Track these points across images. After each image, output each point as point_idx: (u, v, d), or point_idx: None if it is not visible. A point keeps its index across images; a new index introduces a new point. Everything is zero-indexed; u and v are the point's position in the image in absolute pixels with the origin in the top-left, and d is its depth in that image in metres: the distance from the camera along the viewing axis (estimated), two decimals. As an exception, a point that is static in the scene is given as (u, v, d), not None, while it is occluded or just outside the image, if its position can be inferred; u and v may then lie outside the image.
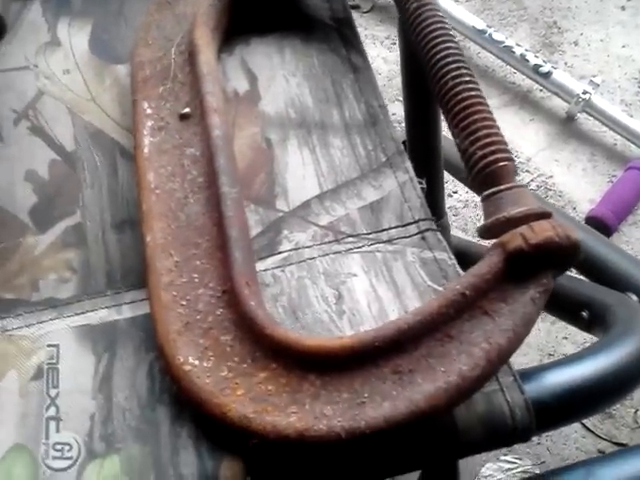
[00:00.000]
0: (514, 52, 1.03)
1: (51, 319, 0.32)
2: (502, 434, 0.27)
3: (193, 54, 0.38)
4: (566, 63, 1.03)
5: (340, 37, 0.43)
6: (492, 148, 0.30)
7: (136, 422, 0.29)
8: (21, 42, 0.38)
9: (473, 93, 0.32)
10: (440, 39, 0.34)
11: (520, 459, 0.77)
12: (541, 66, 0.97)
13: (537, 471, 0.77)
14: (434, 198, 0.38)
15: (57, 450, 0.28)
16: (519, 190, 0.29)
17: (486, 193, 0.30)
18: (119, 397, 0.29)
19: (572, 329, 0.85)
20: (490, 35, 1.04)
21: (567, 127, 1.00)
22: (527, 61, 1.01)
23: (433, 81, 0.33)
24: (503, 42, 1.04)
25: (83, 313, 0.33)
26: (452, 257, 0.33)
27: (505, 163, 0.30)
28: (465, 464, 0.73)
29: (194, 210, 0.33)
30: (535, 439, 0.79)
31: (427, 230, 0.34)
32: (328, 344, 0.27)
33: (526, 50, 1.02)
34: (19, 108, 0.39)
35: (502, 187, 0.29)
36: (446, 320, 0.26)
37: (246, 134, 0.38)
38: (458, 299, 0.26)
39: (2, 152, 0.37)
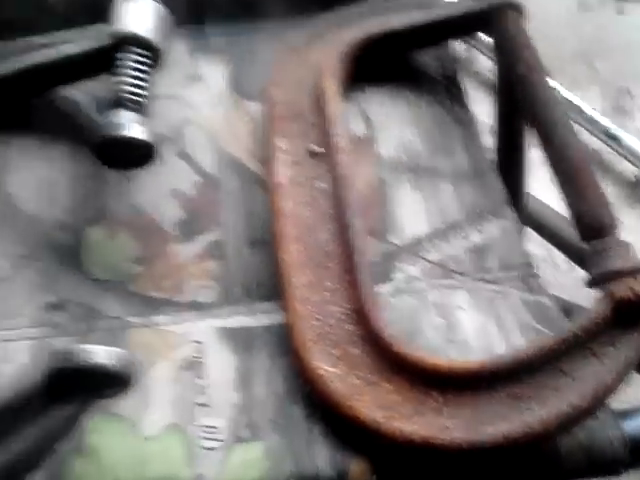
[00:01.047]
0: (584, 113, 1.05)
1: (194, 319, 0.37)
2: (600, 464, 0.31)
3: (323, 100, 0.42)
4: (637, 128, 1.06)
5: (447, 93, 0.47)
6: (600, 201, 0.34)
7: (274, 415, 0.33)
8: (169, 74, 0.43)
9: (583, 154, 0.37)
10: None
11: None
12: (611, 128, 1.01)
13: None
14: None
15: (207, 432, 0.32)
16: (625, 245, 0.33)
17: (593, 243, 0.34)
18: (258, 392, 0.34)
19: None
20: (560, 94, 1.07)
21: (636, 191, 1.02)
22: (597, 122, 1.03)
23: (540, 130, 0.38)
24: (574, 102, 1.06)
25: (223, 317, 0.37)
26: (552, 300, 0.37)
27: (610, 218, 0.34)
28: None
29: (324, 237, 0.38)
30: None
31: (528, 275, 0.39)
32: (452, 365, 0.31)
33: (596, 111, 1.04)
34: (166, 133, 0.45)
35: (607, 240, 0.33)
36: (559, 356, 0.31)
37: (363, 173, 0.43)
38: (571, 339, 0.31)
39: (153, 170, 0.42)
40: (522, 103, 0.44)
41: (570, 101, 1.08)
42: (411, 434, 0.30)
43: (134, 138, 0.37)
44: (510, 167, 0.56)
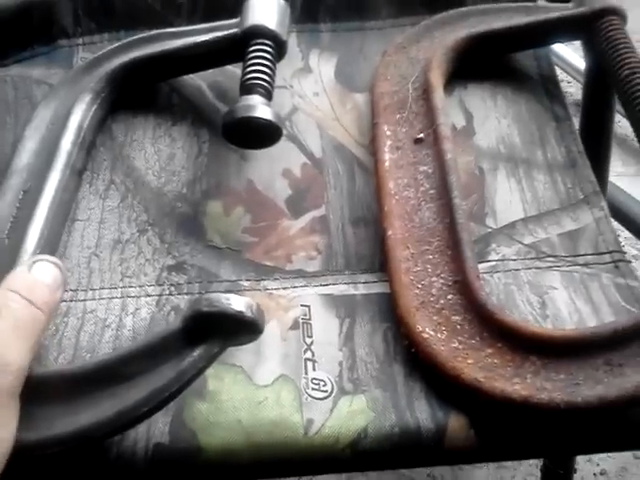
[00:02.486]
0: None
1: (302, 286, 0.40)
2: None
3: (428, 91, 0.45)
4: None
5: (545, 90, 0.49)
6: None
7: (376, 373, 0.35)
8: (280, 66, 0.47)
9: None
10: None
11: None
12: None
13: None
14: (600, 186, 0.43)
15: (315, 384, 0.35)
16: None
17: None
18: (360, 352, 0.36)
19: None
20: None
21: None
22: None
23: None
24: None
25: (327, 285, 0.40)
26: (643, 285, 0.38)
27: None
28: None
29: (426, 215, 0.40)
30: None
31: (620, 261, 0.40)
32: (552, 332, 0.33)
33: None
34: (279, 118, 0.48)
35: None
36: (654, 328, 0.32)
37: (462, 161, 0.45)
38: (667, 313, 0.32)
39: (264, 151, 0.45)
40: (627, 105, 0.45)
41: None
42: (511, 393, 0.32)
43: (268, 120, 0.41)
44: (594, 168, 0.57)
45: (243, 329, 0.31)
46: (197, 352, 0.31)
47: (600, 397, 0.31)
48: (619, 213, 0.87)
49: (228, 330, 0.31)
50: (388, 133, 0.45)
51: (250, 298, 0.31)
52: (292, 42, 0.52)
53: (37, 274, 0.34)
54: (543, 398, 0.31)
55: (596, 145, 0.56)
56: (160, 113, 0.49)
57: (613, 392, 0.31)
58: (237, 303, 0.30)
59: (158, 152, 0.47)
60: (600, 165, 0.57)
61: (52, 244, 0.41)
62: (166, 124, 0.48)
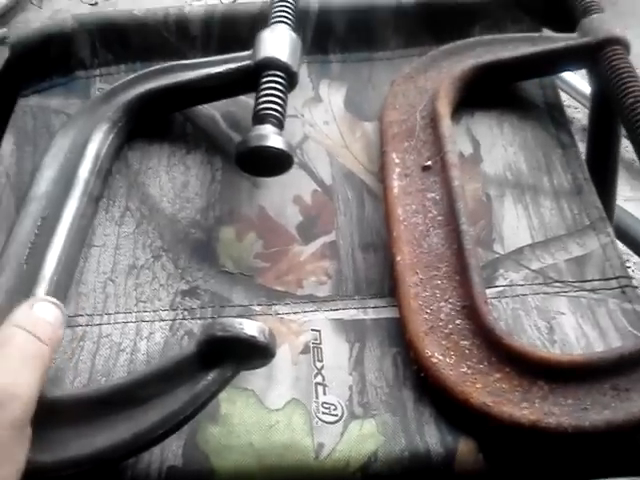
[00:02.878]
0: None
1: (312, 311, 0.41)
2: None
3: (435, 119, 0.46)
4: None
5: (550, 118, 0.50)
6: None
7: (386, 397, 0.36)
8: (291, 96, 0.48)
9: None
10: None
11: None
12: None
13: None
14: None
15: (325, 408, 0.36)
16: None
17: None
18: (370, 376, 0.37)
19: None
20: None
21: None
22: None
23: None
24: None
25: (337, 310, 0.41)
26: (650, 310, 0.39)
27: None
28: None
29: (434, 241, 0.41)
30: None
31: (627, 286, 0.40)
32: (559, 357, 0.34)
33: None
34: (291, 147, 0.49)
35: None
36: (660, 353, 0.32)
37: (469, 188, 0.46)
38: (673, 338, 0.32)
39: (276, 179, 0.47)
40: (631, 133, 0.46)
41: None
42: (519, 418, 0.32)
43: (280, 149, 0.42)
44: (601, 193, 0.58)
45: (256, 353, 0.32)
46: (211, 376, 0.32)
47: (608, 422, 0.31)
48: (627, 237, 0.87)
49: (241, 354, 0.32)
50: (397, 161, 0.46)
51: (262, 323, 0.32)
52: (303, 72, 0.53)
53: (39, 312, 0.35)
54: (551, 422, 0.32)
55: (603, 170, 0.57)
56: (174, 142, 0.50)
57: (620, 416, 0.31)
58: (250, 328, 0.31)
59: (172, 180, 0.48)
60: (607, 190, 0.58)
61: (69, 270, 0.42)
62: (180, 152, 0.49)
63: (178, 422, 0.32)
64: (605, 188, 0.57)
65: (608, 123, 0.55)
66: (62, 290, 0.41)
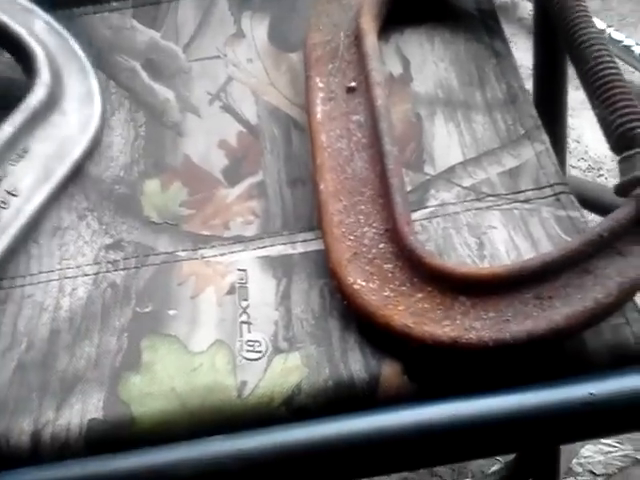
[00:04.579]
0: (633, 51, 1.04)
1: (239, 251, 0.39)
2: (627, 361, 0.31)
3: (359, 37, 0.44)
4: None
5: (484, 27, 0.48)
6: (631, 116, 0.34)
7: (312, 329, 0.35)
8: (212, 34, 0.46)
9: (614, 70, 0.36)
10: (584, 23, 0.38)
11: (621, 443, 0.78)
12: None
13: (638, 457, 0.77)
14: (556, 154, 0.42)
15: (249, 345, 0.35)
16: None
17: (624, 155, 0.34)
18: (297, 310, 0.36)
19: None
20: (609, 35, 1.05)
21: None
22: (647, 61, 1.01)
23: (573, 52, 0.38)
24: (622, 41, 1.05)
25: (264, 247, 0.39)
26: (584, 215, 0.37)
27: (641, 129, 0.34)
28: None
29: (359, 165, 0.40)
30: (637, 427, 0.79)
31: (561, 193, 0.39)
32: (480, 271, 0.32)
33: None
34: (213, 91, 0.47)
35: (639, 149, 0.33)
36: (584, 257, 0.31)
37: (399, 109, 0.44)
38: (596, 239, 0.31)
39: (200, 125, 0.45)
40: (559, 30, 0.43)
41: (619, 40, 1.05)
42: (440, 336, 0.31)
43: None
44: (551, 107, 0.56)
45: None
46: None
47: (529, 332, 0.30)
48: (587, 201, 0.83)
49: None
50: (320, 85, 0.44)
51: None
52: (223, 6, 0.51)
53: None
54: (472, 338, 0.31)
55: (550, 83, 0.55)
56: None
57: (542, 326, 0.30)
58: None
59: (96, 142, 0.46)
60: (558, 100, 0.56)
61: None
62: (105, 115, 0.47)
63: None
64: (554, 109, 0.55)
65: (553, 43, 0.53)
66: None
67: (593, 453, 0.78)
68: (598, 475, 0.77)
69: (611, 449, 0.77)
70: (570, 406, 0.29)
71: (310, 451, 0.30)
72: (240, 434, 0.30)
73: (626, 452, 0.77)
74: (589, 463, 0.77)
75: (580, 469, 0.77)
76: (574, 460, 0.78)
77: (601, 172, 1.01)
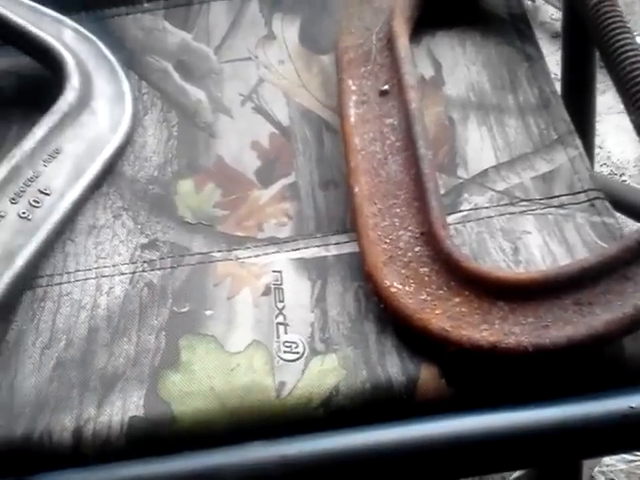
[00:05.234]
0: None
1: (273, 252, 0.40)
2: (665, 368, 0.32)
3: (392, 40, 0.44)
4: None
5: (515, 31, 0.48)
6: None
7: (348, 332, 0.35)
8: (243, 36, 0.47)
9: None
10: (620, 29, 0.38)
11: (644, 453, 0.78)
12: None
13: (660, 468, 0.77)
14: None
15: (287, 347, 0.35)
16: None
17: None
18: (332, 312, 0.36)
19: None
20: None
21: None
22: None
23: (608, 59, 0.38)
24: None
25: (298, 250, 0.40)
26: (619, 222, 0.37)
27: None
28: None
29: (393, 169, 0.40)
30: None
31: (595, 199, 0.39)
32: (518, 276, 0.33)
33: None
34: (245, 92, 0.48)
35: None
36: (623, 263, 0.31)
37: (431, 112, 0.44)
38: (635, 246, 0.31)
39: (232, 126, 0.46)
40: (593, 35, 0.43)
41: None
42: (479, 340, 0.31)
43: None
44: (579, 112, 0.55)
45: None
46: None
47: (569, 337, 0.30)
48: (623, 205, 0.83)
49: None
50: (353, 88, 0.44)
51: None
52: (254, 8, 0.51)
53: None
54: (511, 342, 0.31)
55: (579, 84, 0.55)
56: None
57: (582, 331, 0.30)
58: None
59: (132, 143, 0.47)
60: (586, 105, 0.56)
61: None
62: (138, 115, 0.48)
63: None
64: (583, 110, 0.55)
65: (583, 48, 0.53)
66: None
67: (616, 462, 0.78)
68: (620, 484, 0.77)
69: (634, 457, 0.77)
70: (609, 419, 0.30)
71: (350, 458, 0.30)
72: (282, 440, 0.31)
73: (648, 462, 0.77)
74: (611, 472, 0.77)
75: (602, 478, 0.77)
76: (596, 468, 0.78)
77: (623, 178, 1.01)
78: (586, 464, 0.71)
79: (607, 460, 0.78)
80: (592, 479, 0.78)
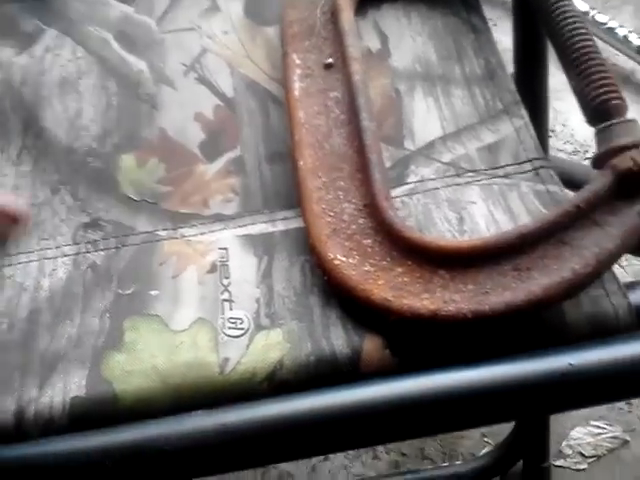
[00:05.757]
0: (617, 33, 1.04)
1: (219, 229, 0.39)
2: (606, 332, 0.32)
3: (336, 13, 0.44)
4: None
5: (462, 2, 0.48)
6: (607, 88, 0.34)
7: (293, 305, 0.35)
8: (186, 8, 0.46)
9: (589, 43, 0.36)
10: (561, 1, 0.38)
11: (610, 425, 0.80)
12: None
13: (627, 438, 0.79)
14: (538, 136, 0.42)
15: (232, 323, 0.35)
16: (630, 123, 0.33)
17: (600, 126, 0.34)
18: (278, 287, 0.36)
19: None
20: (593, 17, 1.05)
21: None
22: (630, 42, 1.02)
23: (551, 29, 0.38)
24: (606, 24, 1.05)
25: (245, 226, 0.39)
26: (563, 189, 0.38)
27: (617, 101, 0.34)
28: (555, 426, 0.76)
29: (337, 142, 0.39)
30: (626, 407, 0.81)
31: (540, 167, 0.39)
32: (458, 244, 0.33)
33: (629, 32, 1.03)
34: (187, 62, 0.47)
35: (614, 121, 0.33)
36: (561, 228, 0.31)
37: (377, 84, 0.44)
38: (572, 210, 0.31)
39: (175, 97, 0.45)
40: (540, 12, 0.43)
41: (603, 22, 1.05)
42: (419, 309, 0.31)
43: None
44: (532, 87, 0.56)
45: None
46: None
47: (507, 303, 0.30)
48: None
49: None
50: (297, 62, 0.43)
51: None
52: (198, -19, 0.50)
53: None
54: (450, 310, 0.31)
55: (531, 63, 0.55)
56: (65, 67, 0.47)
57: (520, 297, 0.30)
58: None
59: (66, 109, 0.45)
60: (539, 83, 0.56)
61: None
62: (72, 79, 0.47)
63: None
64: (535, 89, 0.55)
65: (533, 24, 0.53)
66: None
67: (583, 435, 0.79)
68: (588, 457, 0.79)
69: (600, 431, 0.79)
70: (550, 377, 0.30)
71: (291, 425, 0.30)
72: (222, 409, 0.31)
73: (615, 434, 0.79)
74: (579, 445, 0.79)
75: (570, 451, 0.79)
76: (564, 442, 0.79)
77: (587, 155, 1.02)
78: (553, 438, 0.73)
79: (574, 434, 0.80)
80: (560, 453, 0.79)
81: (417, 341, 0.32)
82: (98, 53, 0.48)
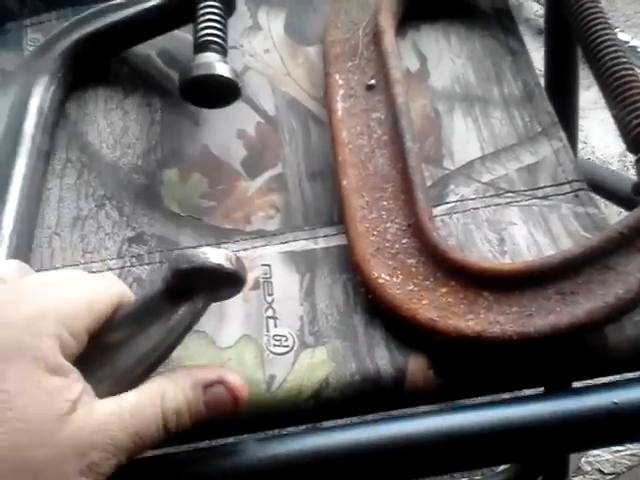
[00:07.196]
0: (639, 52, 1.04)
1: (261, 245, 0.40)
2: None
3: (378, 35, 0.45)
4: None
5: (499, 25, 0.48)
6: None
7: (337, 324, 0.36)
8: (231, 25, 0.46)
9: (631, 72, 0.37)
10: (601, 25, 0.39)
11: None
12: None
13: (646, 455, 0.79)
14: None
15: (276, 340, 0.35)
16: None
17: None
18: (321, 305, 0.37)
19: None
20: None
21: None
22: (651, 61, 1.02)
23: (590, 55, 0.38)
24: (628, 42, 1.06)
25: (287, 242, 0.40)
26: (603, 212, 0.38)
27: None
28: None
29: (380, 162, 0.40)
30: (648, 425, 0.80)
31: (579, 189, 0.39)
32: (502, 267, 0.33)
33: (652, 50, 1.03)
34: (230, 79, 0.48)
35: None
36: (605, 253, 0.32)
37: (417, 105, 0.45)
38: (616, 236, 0.32)
39: (218, 114, 0.45)
40: (575, 31, 0.44)
41: (625, 41, 1.06)
42: (464, 329, 0.32)
43: (224, 76, 0.41)
44: (562, 106, 0.56)
45: (224, 282, 0.30)
46: (182, 310, 0.30)
47: (552, 326, 0.31)
48: (605, 189, 0.84)
49: (210, 284, 0.30)
50: (340, 82, 0.44)
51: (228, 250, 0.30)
52: (239, 1, 0.51)
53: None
54: (495, 331, 0.31)
55: (562, 80, 0.56)
56: (111, 86, 0.48)
57: (565, 320, 0.31)
58: (215, 256, 0.29)
59: (111, 125, 0.46)
60: (569, 100, 0.56)
61: (29, 227, 0.42)
62: (117, 97, 0.48)
63: (154, 361, 0.31)
64: (566, 105, 0.56)
65: (565, 44, 0.53)
66: (24, 249, 0.41)
67: (602, 452, 0.79)
68: (607, 474, 0.78)
69: (620, 448, 0.79)
70: (594, 415, 0.30)
71: (337, 456, 0.30)
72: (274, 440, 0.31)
73: (634, 451, 0.79)
74: (598, 462, 0.78)
75: (589, 468, 0.79)
76: (583, 459, 0.79)
77: (608, 172, 1.02)
78: (572, 454, 0.73)
79: (593, 451, 0.80)
80: (579, 469, 0.79)
81: (461, 363, 0.33)
82: (142, 71, 0.49)
